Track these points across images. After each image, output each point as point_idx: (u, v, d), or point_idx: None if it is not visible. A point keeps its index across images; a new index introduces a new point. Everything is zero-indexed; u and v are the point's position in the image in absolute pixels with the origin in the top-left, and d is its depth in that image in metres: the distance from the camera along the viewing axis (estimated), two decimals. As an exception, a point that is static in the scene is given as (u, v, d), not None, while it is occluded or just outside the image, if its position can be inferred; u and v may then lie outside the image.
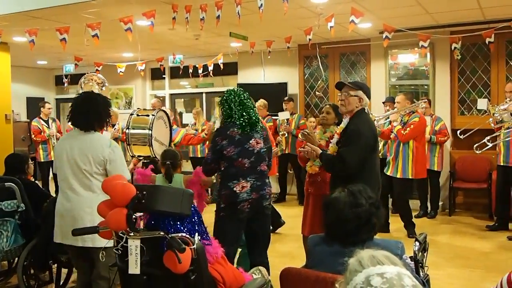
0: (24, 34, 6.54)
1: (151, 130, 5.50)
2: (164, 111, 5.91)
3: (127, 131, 5.65)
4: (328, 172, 4.14)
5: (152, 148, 5.52)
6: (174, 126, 7.11)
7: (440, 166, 7.21)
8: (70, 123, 3.53)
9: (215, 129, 4.31)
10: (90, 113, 3.41)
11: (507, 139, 6.04)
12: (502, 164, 6.30)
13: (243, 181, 3.74)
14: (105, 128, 3.77)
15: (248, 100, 3.91)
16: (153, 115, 5.60)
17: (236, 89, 3.95)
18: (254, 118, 3.84)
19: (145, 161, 5.73)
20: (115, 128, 7.78)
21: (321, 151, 3.92)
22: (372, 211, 2.30)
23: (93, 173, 3.33)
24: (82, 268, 3.57)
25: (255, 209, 3.80)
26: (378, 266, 1.32)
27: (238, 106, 3.82)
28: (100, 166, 3.34)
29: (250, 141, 3.78)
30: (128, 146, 5.83)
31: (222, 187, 3.81)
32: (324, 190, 4.25)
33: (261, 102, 8.04)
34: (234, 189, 3.72)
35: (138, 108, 6.06)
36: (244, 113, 3.80)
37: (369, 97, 3.88)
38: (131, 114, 5.75)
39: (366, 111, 4.01)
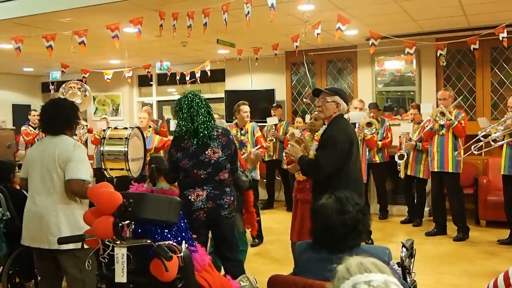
0: (10, 41, 6.50)
1: (127, 147, 5.43)
2: (138, 128, 5.85)
3: (101, 148, 5.59)
4: (304, 176, 4.15)
5: (128, 164, 5.46)
6: (149, 134, 7.00)
7: (425, 174, 7.05)
8: (40, 130, 3.58)
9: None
10: (58, 117, 3.46)
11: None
12: (436, 170, 6.39)
13: (198, 189, 3.63)
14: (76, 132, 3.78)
15: (202, 106, 3.69)
16: (126, 137, 5.52)
17: (190, 94, 3.73)
18: (207, 126, 3.64)
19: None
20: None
21: (301, 155, 3.87)
22: (359, 217, 2.30)
23: (57, 174, 3.34)
24: (46, 273, 3.55)
25: (212, 218, 3.67)
26: (365, 273, 1.33)
27: (188, 116, 3.63)
28: (63, 166, 3.33)
29: (206, 152, 3.63)
30: (102, 163, 5.78)
31: (180, 195, 3.67)
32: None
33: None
34: (189, 197, 3.63)
35: (109, 127, 5.98)
36: (195, 123, 3.61)
37: (346, 102, 3.89)
38: (104, 132, 5.70)
39: (344, 116, 4.04)
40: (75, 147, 3.40)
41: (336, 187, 3.58)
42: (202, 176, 3.62)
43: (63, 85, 6.15)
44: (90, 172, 3.47)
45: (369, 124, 6.08)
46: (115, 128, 5.90)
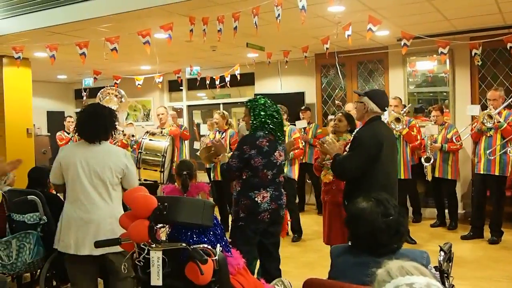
0: (45, 50, 6.66)
1: (165, 157, 5.58)
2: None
3: (139, 155, 5.73)
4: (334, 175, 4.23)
5: (163, 174, 5.59)
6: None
7: (454, 174, 6.99)
8: (76, 134, 3.61)
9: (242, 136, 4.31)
10: (96, 125, 3.47)
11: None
12: (482, 172, 6.22)
13: (263, 191, 3.74)
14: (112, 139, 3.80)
15: (278, 109, 3.93)
16: (167, 141, 5.68)
17: (264, 99, 3.93)
18: (282, 128, 3.91)
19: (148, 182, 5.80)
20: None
21: (336, 153, 3.92)
22: (401, 220, 2.26)
23: (113, 183, 3.41)
24: (82, 282, 3.55)
25: (273, 218, 3.81)
26: (407, 276, 1.31)
27: (272, 114, 3.83)
28: (120, 175, 3.42)
29: (275, 153, 3.80)
30: (137, 170, 5.91)
31: (241, 196, 3.77)
32: (339, 198, 4.25)
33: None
34: (256, 199, 3.71)
35: (147, 132, 6.13)
36: (277, 122, 3.84)
37: (378, 103, 3.83)
38: (143, 138, 5.84)
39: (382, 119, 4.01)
40: (126, 156, 3.51)
41: (361, 190, 3.57)
42: (269, 177, 3.76)
43: (101, 91, 6.28)
44: None
45: (397, 120, 6.10)
46: (152, 134, 6.03)
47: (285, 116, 6.66)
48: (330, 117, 8.74)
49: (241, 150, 3.77)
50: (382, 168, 3.72)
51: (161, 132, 6.80)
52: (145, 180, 5.93)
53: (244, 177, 3.79)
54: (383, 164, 3.73)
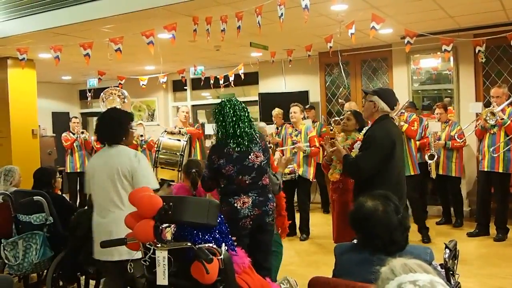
0: (49, 51, 6.68)
1: (183, 156, 5.58)
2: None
3: (156, 154, 5.73)
4: (347, 177, 4.18)
5: (181, 174, 5.60)
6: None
7: (458, 172, 6.96)
8: (97, 139, 3.64)
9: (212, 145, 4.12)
10: (114, 129, 3.50)
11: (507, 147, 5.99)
12: (486, 169, 6.20)
13: (244, 196, 3.55)
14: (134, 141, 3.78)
15: (243, 111, 3.66)
16: (185, 140, 5.67)
17: (233, 99, 3.70)
18: (249, 131, 3.61)
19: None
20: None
21: (345, 153, 3.86)
22: (407, 216, 2.28)
23: (122, 186, 3.36)
24: (112, 286, 3.57)
25: (257, 225, 3.62)
26: (410, 274, 1.31)
27: (233, 121, 3.58)
28: (128, 177, 3.37)
29: (249, 157, 3.56)
30: (155, 169, 5.92)
31: (222, 203, 3.58)
32: (347, 197, 4.25)
33: (277, 111, 8.03)
34: (235, 204, 3.55)
35: (165, 131, 6.13)
36: (239, 128, 3.57)
37: (389, 102, 3.80)
38: (161, 137, 5.83)
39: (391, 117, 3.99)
40: (136, 157, 3.42)
41: (376, 189, 3.54)
42: (246, 182, 3.56)
43: (104, 92, 6.32)
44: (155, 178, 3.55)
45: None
46: (171, 133, 6.02)
47: (302, 115, 6.84)
48: (322, 117, 8.79)
49: (210, 160, 3.63)
50: (394, 167, 3.71)
51: (179, 131, 6.82)
52: (161, 179, 5.96)
53: (222, 185, 3.67)
54: (395, 163, 3.72)
